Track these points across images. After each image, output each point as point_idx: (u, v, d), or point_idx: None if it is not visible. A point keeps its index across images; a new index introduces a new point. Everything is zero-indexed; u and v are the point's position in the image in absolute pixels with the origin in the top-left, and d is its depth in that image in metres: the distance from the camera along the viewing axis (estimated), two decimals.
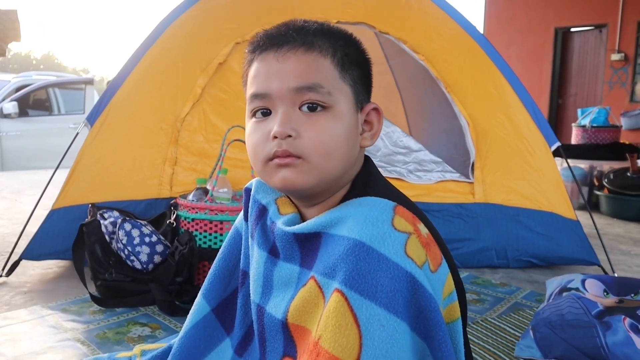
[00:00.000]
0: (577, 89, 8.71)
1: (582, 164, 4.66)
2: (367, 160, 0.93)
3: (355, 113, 0.85)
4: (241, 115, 2.52)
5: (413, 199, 2.60)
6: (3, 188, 4.74)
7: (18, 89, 7.34)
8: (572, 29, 8.65)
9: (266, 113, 0.84)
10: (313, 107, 0.81)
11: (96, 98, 7.93)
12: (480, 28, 8.83)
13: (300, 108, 0.81)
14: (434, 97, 3.04)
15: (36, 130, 7.18)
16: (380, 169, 2.78)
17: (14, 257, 2.39)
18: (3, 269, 2.31)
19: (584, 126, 5.09)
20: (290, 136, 0.80)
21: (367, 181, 0.89)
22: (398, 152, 2.85)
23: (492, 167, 2.76)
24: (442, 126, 3.11)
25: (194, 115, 2.59)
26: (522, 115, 2.85)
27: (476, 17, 13.12)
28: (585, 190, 4.50)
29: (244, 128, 2.28)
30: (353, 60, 0.86)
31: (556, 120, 8.88)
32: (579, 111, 5.53)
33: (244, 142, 2.31)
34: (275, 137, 0.80)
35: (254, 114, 0.86)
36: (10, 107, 6.88)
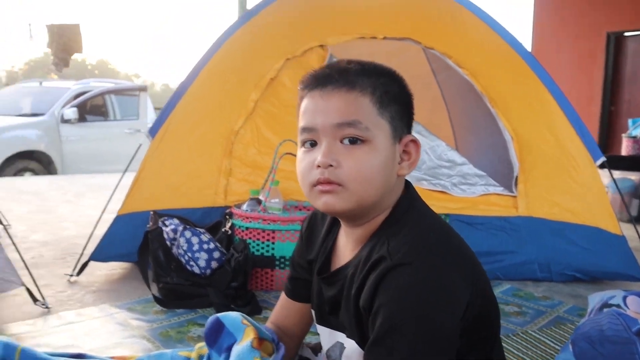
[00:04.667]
0: (630, 96, 8.50)
1: (633, 176, 4.60)
2: (408, 185, 1.03)
3: (392, 145, 0.96)
4: (291, 129, 2.66)
5: (456, 212, 2.69)
6: (66, 191, 5.04)
7: (77, 96, 7.72)
8: (626, 34, 8.45)
9: (313, 144, 0.95)
10: (353, 140, 0.92)
11: (149, 104, 8.28)
12: (528, 34, 8.73)
13: (341, 141, 0.92)
14: (479, 111, 3.10)
15: (93, 135, 7.56)
16: (424, 182, 2.86)
17: (83, 258, 2.59)
18: (74, 270, 2.52)
19: (634, 137, 5.02)
20: (332, 166, 0.91)
21: (407, 208, 0.99)
22: (442, 165, 2.93)
23: (535, 181, 2.80)
24: (487, 140, 3.17)
25: (247, 129, 2.74)
26: (566, 130, 2.88)
27: (524, 23, 12.92)
28: (635, 202, 4.45)
29: (294, 142, 2.42)
30: (392, 97, 0.96)
31: (608, 128, 8.69)
32: (630, 122, 5.44)
33: (294, 155, 2.45)
34: (319, 166, 0.92)
35: (303, 144, 0.98)
36: (71, 113, 7.26)
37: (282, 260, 2.35)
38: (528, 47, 6.64)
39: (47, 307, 2.13)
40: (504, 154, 2.90)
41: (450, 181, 2.90)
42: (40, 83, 8.32)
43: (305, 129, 0.96)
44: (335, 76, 0.94)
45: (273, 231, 2.30)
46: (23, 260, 2.26)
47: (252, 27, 3.01)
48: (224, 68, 2.88)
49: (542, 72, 2.96)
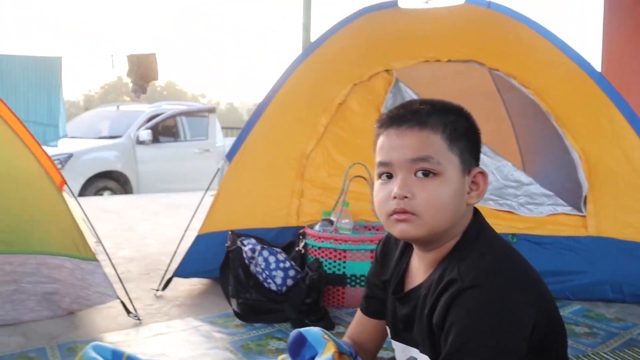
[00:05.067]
0: None
1: None
2: (476, 213, 1.12)
3: (462, 177, 1.05)
4: (360, 151, 2.79)
5: (524, 232, 2.72)
6: (144, 210, 5.36)
7: (151, 118, 8.17)
8: None
9: (389, 176, 1.07)
10: (426, 174, 1.02)
11: (217, 124, 8.64)
12: (598, 45, 8.47)
13: (415, 174, 1.03)
14: (545, 130, 3.11)
15: (166, 155, 7.96)
16: (490, 202, 2.90)
17: (166, 274, 2.79)
18: (160, 284, 2.72)
19: None
20: (407, 197, 1.02)
21: (476, 234, 1.08)
22: (509, 185, 2.96)
23: (605, 200, 2.78)
24: (554, 159, 3.17)
25: (317, 152, 2.89)
26: (638, 148, 2.84)
27: (594, 34, 12.53)
28: None
29: (364, 165, 2.53)
30: (461, 133, 1.06)
31: None
32: None
33: (364, 178, 2.57)
34: (395, 197, 1.03)
35: (380, 176, 1.09)
36: (145, 134, 7.70)
37: (353, 278, 2.46)
38: (597, 63, 6.49)
39: (138, 319, 2.33)
40: (572, 173, 2.90)
41: (517, 201, 2.92)
42: (118, 107, 8.85)
43: (382, 164, 1.07)
44: (409, 116, 1.06)
45: (344, 250, 2.42)
46: (118, 275, 2.48)
47: (319, 54, 3.17)
48: (294, 94, 3.04)
49: (611, 90, 2.95)
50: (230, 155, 2.91)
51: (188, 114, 8.46)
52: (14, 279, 2.25)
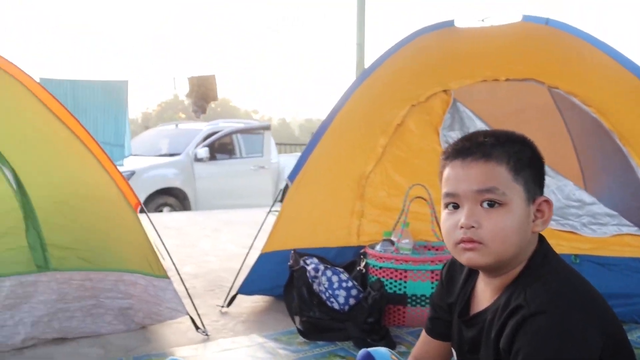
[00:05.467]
0: None
1: None
2: (542, 239, 1.15)
3: (527, 206, 1.09)
4: (419, 171, 2.82)
5: (587, 252, 2.68)
6: (204, 227, 5.54)
7: (208, 136, 8.44)
8: None
9: (456, 207, 1.11)
10: (491, 204, 1.07)
11: (272, 141, 8.82)
12: None
13: (481, 204, 1.07)
14: (608, 149, 3.05)
15: (222, 172, 8.20)
16: (552, 222, 2.86)
17: (230, 291, 2.90)
18: (224, 301, 2.82)
19: None
20: (473, 227, 1.07)
21: (541, 261, 1.11)
22: (571, 205, 2.92)
23: None
24: (618, 179, 3.11)
25: (377, 173, 2.94)
26: None
27: None
28: None
29: (423, 186, 2.55)
30: (525, 163, 1.10)
31: None
32: None
33: (424, 199, 2.61)
34: (462, 227, 1.08)
35: (446, 206, 1.14)
36: (203, 152, 7.96)
37: (414, 297, 2.49)
38: None
39: (206, 335, 2.44)
40: (638, 192, 2.83)
41: (580, 221, 2.88)
42: (176, 125, 9.19)
43: (448, 194, 1.12)
44: (474, 149, 1.10)
45: (405, 271, 2.46)
46: (187, 291, 2.60)
47: (377, 76, 3.23)
48: (353, 116, 3.12)
49: None
50: (292, 176, 3.01)
51: (244, 131, 8.69)
52: (94, 294, 2.40)
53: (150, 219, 2.63)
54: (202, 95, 6.42)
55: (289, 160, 9.99)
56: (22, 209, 2.37)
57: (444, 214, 1.15)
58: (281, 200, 3.17)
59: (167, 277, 2.46)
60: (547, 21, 3.23)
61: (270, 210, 3.08)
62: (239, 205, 8.17)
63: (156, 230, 2.66)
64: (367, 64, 6.55)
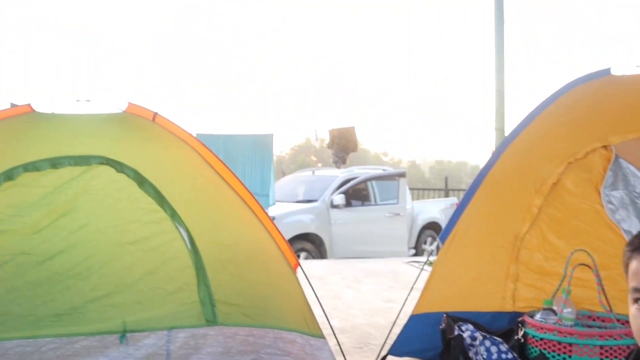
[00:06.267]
0: None
1: None
2: None
3: None
4: (579, 234, 2.66)
5: None
6: (345, 276, 5.64)
7: (343, 183, 8.63)
8: None
9: None
10: None
11: (407, 188, 8.81)
12: None
13: None
14: None
15: (357, 218, 8.31)
16: None
17: (381, 351, 2.90)
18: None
19: None
20: None
21: None
22: None
23: None
24: None
25: (532, 234, 2.82)
26: None
27: None
28: None
29: (586, 251, 2.39)
30: None
31: None
32: None
33: (588, 266, 2.44)
34: None
35: (635, 301, 1.07)
36: (339, 199, 8.15)
37: None
38: None
39: None
40: None
41: None
42: (313, 172, 9.53)
43: (637, 289, 1.06)
44: None
45: (570, 344, 2.30)
46: (341, 349, 2.65)
47: (530, 132, 3.12)
48: (505, 174, 3.03)
49: None
50: (443, 237, 2.98)
51: (379, 178, 8.78)
52: (255, 350, 2.55)
53: (307, 278, 2.74)
54: (343, 146, 6.64)
55: (423, 207, 9.89)
56: (195, 266, 2.60)
57: (632, 309, 1.09)
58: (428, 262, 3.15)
59: (323, 337, 2.54)
60: None
61: (421, 269, 3.07)
62: (375, 252, 8.20)
63: (312, 289, 2.76)
64: (508, 110, 6.37)
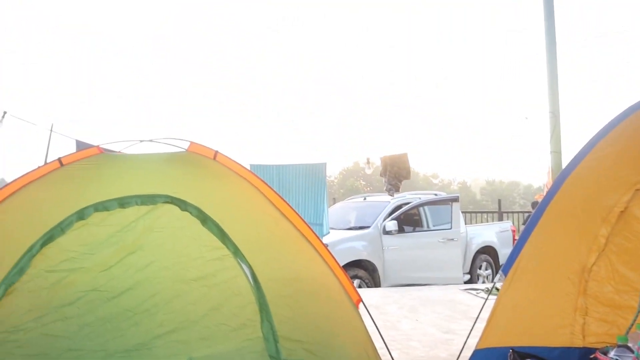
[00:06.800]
0: None
1: None
2: None
3: None
4: None
5: None
6: (402, 305, 5.57)
7: (395, 209, 8.56)
8: None
9: None
10: None
11: (460, 212, 8.66)
12: None
13: None
14: None
15: (410, 244, 8.21)
16: None
17: None
18: None
19: None
20: None
21: None
22: None
23: None
24: None
25: (600, 265, 2.73)
26: None
27: None
28: None
29: None
30: None
31: None
32: None
33: None
34: None
35: None
36: (392, 225, 8.08)
37: None
38: None
39: None
40: None
41: None
42: (364, 198, 9.50)
43: None
44: None
45: None
46: None
47: (593, 158, 3.04)
48: (569, 203, 2.95)
49: None
50: (505, 269, 2.92)
51: (432, 203, 8.67)
52: None
53: (367, 310, 2.73)
54: (395, 174, 6.61)
55: (477, 231, 9.67)
56: (258, 303, 2.63)
57: None
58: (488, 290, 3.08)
59: None
60: None
61: (484, 303, 3.00)
62: (429, 278, 8.07)
63: (372, 319, 2.74)
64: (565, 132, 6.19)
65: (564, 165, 6.38)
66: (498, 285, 3.11)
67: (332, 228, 8.49)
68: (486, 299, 3.03)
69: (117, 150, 3.26)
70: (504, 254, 9.90)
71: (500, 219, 13.22)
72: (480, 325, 2.89)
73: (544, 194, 7.68)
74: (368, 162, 8.03)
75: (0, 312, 2.60)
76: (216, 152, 2.89)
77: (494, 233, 9.79)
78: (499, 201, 13.29)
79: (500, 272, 2.94)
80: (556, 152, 6.32)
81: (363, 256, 7.98)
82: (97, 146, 3.00)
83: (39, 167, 2.91)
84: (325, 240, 7.82)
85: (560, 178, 3.02)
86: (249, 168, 3.03)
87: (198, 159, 2.92)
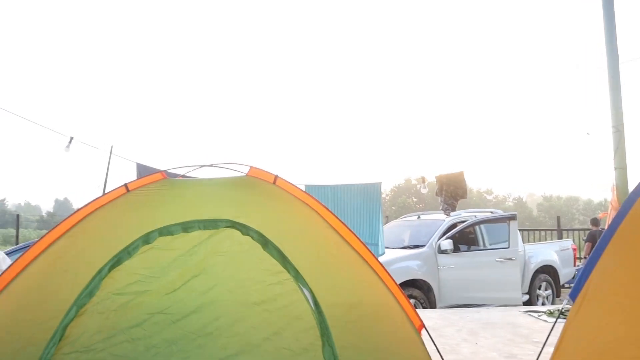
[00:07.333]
0: None
1: None
2: None
3: None
4: None
5: None
6: (460, 328, 5.44)
7: (450, 227, 8.42)
8: None
9: None
10: None
11: (517, 231, 8.42)
12: None
13: None
14: None
15: (465, 264, 8.04)
16: None
17: None
18: None
19: None
20: None
21: None
22: None
23: None
24: None
25: None
26: None
27: None
28: None
29: None
30: None
31: None
32: None
33: None
34: None
35: None
36: (447, 244, 7.95)
37: None
38: None
39: None
40: None
41: None
42: (418, 217, 9.39)
43: None
44: None
45: None
46: None
47: None
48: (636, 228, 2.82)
49: None
50: (573, 294, 2.81)
51: (488, 221, 8.49)
52: None
53: (429, 334, 2.68)
54: (451, 193, 6.52)
55: (535, 250, 9.38)
56: (319, 327, 2.63)
57: None
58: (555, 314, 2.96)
59: None
60: None
61: (552, 328, 2.90)
62: (486, 299, 7.87)
63: (434, 344, 2.69)
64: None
65: (629, 182, 6.13)
66: (563, 308, 2.99)
67: (386, 247, 8.42)
68: (554, 325, 2.92)
69: (180, 174, 3.37)
70: (564, 273, 9.56)
71: (560, 236, 12.78)
72: (547, 350, 2.79)
73: (609, 212, 7.39)
74: (423, 181, 7.94)
75: (72, 332, 2.70)
76: (276, 176, 2.93)
77: (553, 252, 9.48)
78: (558, 218, 12.84)
79: (567, 297, 2.82)
80: (621, 169, 6.07)
81: (418, 275, 7.88)
82: (161, 172, 3.10)
83: (105, 193, 3.03)
84: (380, 260, 7.76)
85: (632, 197, 2.89)
86: (303, 189, 3.06)
87: (258, 183, 2.97)
